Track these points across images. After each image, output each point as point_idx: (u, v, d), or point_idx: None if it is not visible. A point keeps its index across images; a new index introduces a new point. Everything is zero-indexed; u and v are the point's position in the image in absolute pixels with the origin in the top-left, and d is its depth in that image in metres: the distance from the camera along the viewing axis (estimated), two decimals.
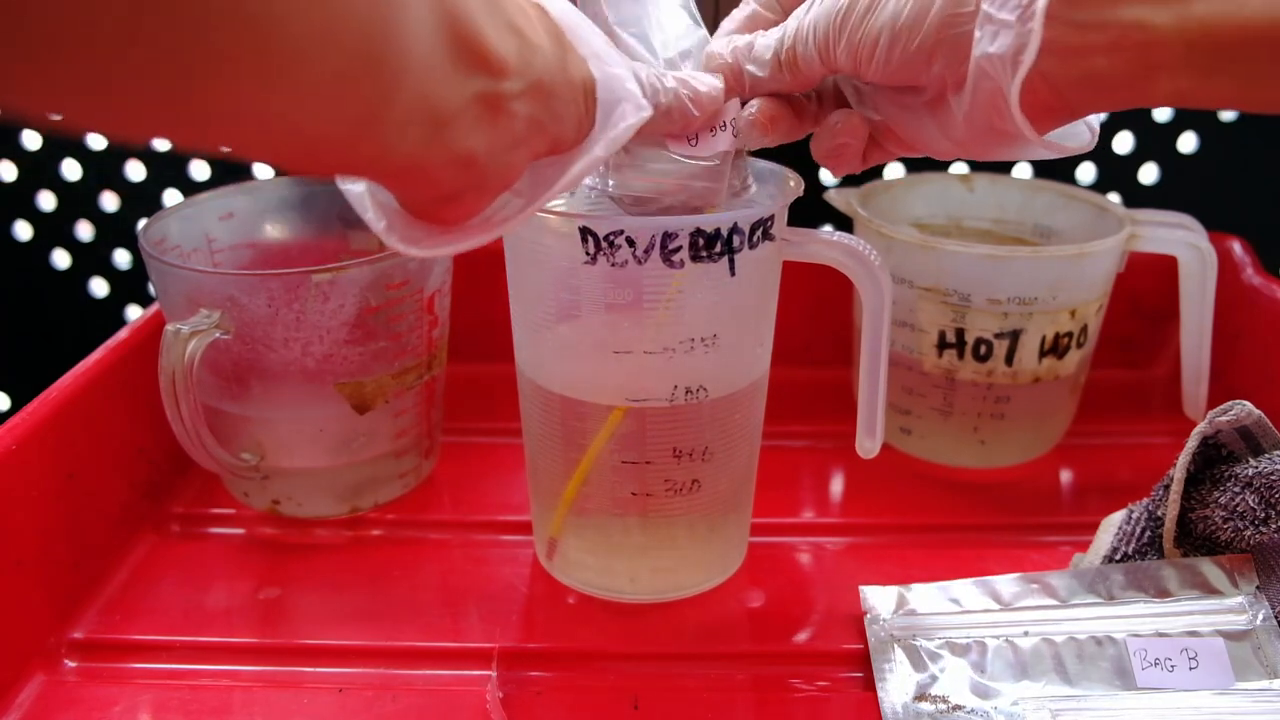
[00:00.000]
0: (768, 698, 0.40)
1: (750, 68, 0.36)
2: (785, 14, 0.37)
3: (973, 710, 0.37)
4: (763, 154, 0.43)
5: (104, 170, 0.67)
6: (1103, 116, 0.35)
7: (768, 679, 0.40)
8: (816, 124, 0.38)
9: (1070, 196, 0.57)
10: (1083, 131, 0.35)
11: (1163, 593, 0.40)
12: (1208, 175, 0.64)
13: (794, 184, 0.40)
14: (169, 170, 0.67)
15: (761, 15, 0.38)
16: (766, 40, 0.36)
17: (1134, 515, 0.43)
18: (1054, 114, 0.32)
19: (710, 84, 0.35)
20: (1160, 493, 0.42)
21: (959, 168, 0.64)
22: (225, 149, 0.23)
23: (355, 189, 0.30)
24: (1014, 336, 0.50)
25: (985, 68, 0.31)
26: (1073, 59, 0.30)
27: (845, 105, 0.38)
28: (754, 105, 0.37)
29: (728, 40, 0.37)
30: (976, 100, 0.32)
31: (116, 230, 0.69)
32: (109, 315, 0.71)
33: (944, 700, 0.37)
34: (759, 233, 0.37)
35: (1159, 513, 0.42)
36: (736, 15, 0.38)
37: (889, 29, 0.32)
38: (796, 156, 0.46)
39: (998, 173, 0.61)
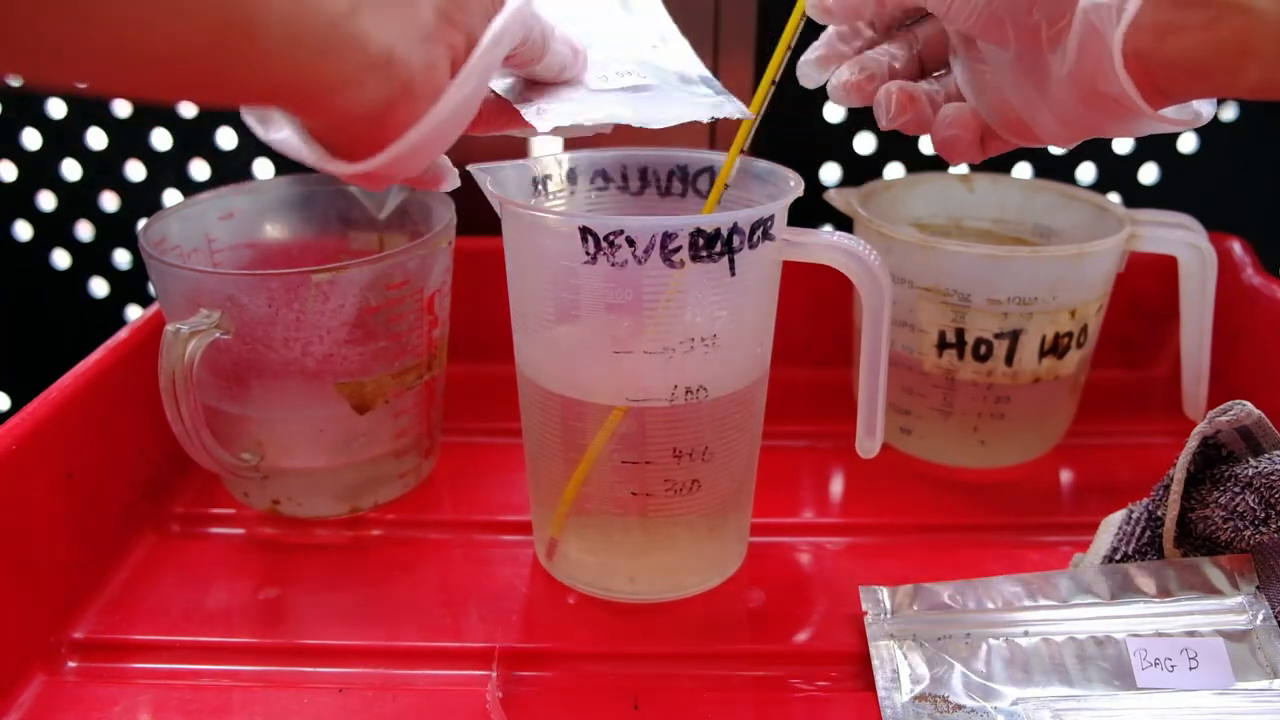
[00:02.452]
0: (768, 698, 0.40)
1: None
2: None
3: (973, 710, 0.37)
4: (763, 154, 0.43)
5: (104, 170, 0.67)
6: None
7: (768, 679, 0.40)
8: None
9: (1070, 196, 0.57)
10: (1192, 109, 0.34)
11: (1163, 593, 0.40)
12: (1208, 175, 0.64)
13: (794, 184, 0.40)
14: (169, 170, 0.67)
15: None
16: None
17: (1134, 515, 0.43)
18: (1144, 97, 0.32)
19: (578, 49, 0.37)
20: (1160, 493, 0.42)
21: (959, 167, 0.64)
22: (80, 77, 0.21)
23: (280, 135, 0.29)
24: (1014, 336, 0.50)
25: (1091, 19, 0.30)
26: (1168, 36, 0.30)
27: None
28: (893, 86, 0.38)
29: None
30: (1081, 58, 0.31)
31: (116, 230, 0.69)
32: (109, 315, 0.71)
33: (944, 700, 0.37)
34: (759, 233, 0.37)
35: (1159, 513, 0.42)
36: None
37: None
38: (796, 156, 0.46)
39: (998, 172, 0.61)
